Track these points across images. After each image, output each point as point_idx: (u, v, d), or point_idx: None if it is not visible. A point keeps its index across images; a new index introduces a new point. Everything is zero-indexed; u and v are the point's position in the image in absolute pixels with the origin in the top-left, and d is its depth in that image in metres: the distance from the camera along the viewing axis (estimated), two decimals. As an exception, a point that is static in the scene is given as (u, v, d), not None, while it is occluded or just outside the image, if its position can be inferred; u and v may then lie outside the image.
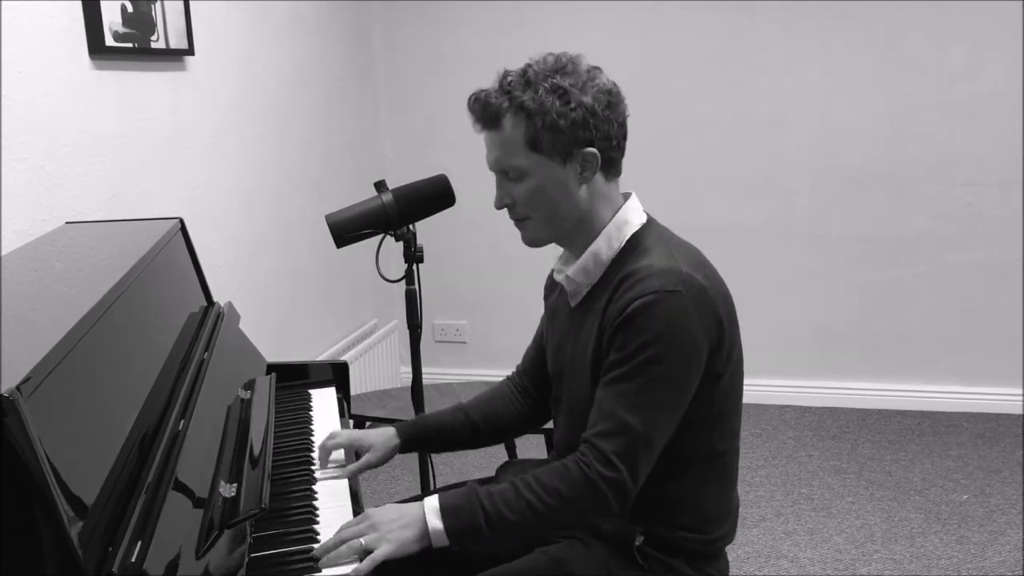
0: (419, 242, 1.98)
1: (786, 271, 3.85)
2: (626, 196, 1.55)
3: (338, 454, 1.71)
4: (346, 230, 1.92)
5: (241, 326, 2.10)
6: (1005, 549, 2.73)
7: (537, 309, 1.78)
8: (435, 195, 1.91)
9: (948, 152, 3.60)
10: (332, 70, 3.60)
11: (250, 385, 1.83)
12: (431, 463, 2.11)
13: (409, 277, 1.99)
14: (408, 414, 2.48)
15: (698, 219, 3.82)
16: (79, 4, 2.16)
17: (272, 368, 2.11)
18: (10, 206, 1.96)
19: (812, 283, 3.84)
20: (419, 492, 2.02)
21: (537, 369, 1.75)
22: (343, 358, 3.36)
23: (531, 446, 3.07)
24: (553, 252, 1.62)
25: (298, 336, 3.33)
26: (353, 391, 2.55)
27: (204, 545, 1.23)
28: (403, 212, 1.92)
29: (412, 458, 2.03)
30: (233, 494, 1.38)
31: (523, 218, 1.51)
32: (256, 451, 1.52)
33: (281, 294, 3.22)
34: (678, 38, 3.74)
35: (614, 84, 1.48)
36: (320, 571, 1.34)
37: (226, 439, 1.54)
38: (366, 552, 1.35)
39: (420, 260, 1.99)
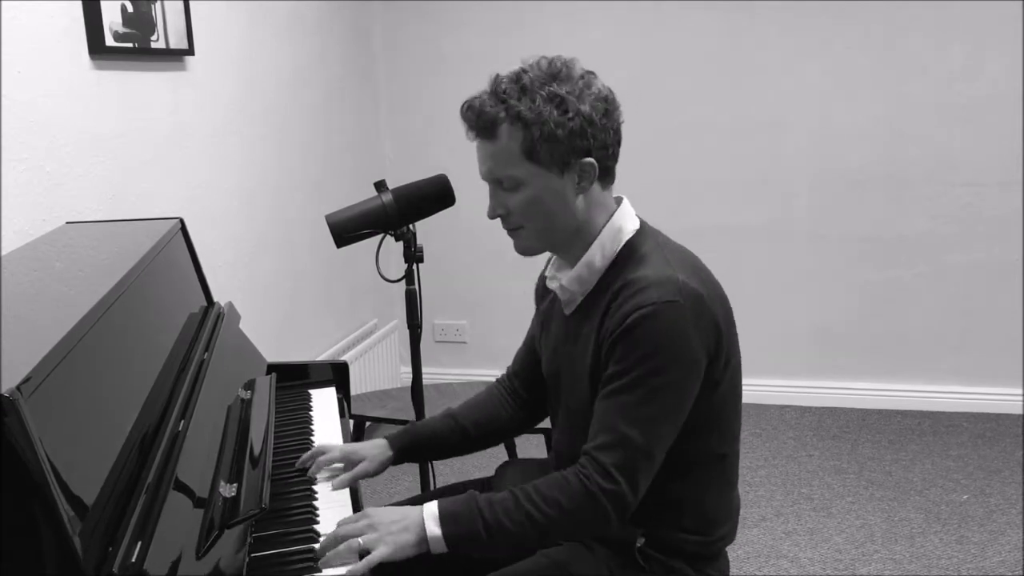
0: (419, 242, 1.98)
1: (786, 271, 3.85)
2: (618, 201, 1.53)
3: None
4: (346, 230, 1.92)
5: (241, 326, 2.10)
6: (1005, 549, 2.73)
7: (536, 309, 1.77)
8: (435, 195, 1.91)
9: (948, 152, 3.60)
10: (332, 70, 3.60)
11: (250, 385, 1.83)
12: (431, 463, 2.11)
13: (409, 277, 1.99)
14: (408, 414, 2.48)
15: (698, 220, 3.82)
16: (79, 4, 2.16)
17: (272, 368, 2.11)
18: (10, 206, 1.96)
19: (812, 283, 3.84)
20: (419, 492, 2.03)
21: (529, 371, 1.74)
22: (343, 358, 3.36)
23: (531, 446, 3.07)
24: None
25: (298, 336, 3.33)
26: (353, 391, 2.55)
27: (204, 545, 1.23)
28: (403, 212, 1.92)
29: (412, 458, 2.04)
30: (233, 494, 1.38)
31: (517, 227, 1.49)
32: (256, 451, 1.52)
33: (281, 294, 3.22)
34: (678, 38, 3.74)
35: (609, 90, 1.46)
36: (320, 571, 1.34)
37: (226, 439, 1.54)
38: (364, 552, 1.35)
39: (420, 260, 1.99)
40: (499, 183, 1.46)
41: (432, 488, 2.12)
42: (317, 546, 1.38)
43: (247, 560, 1.34)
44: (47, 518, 0.97)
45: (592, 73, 1.45)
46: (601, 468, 1.37)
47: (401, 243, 1.96)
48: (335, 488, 1.63)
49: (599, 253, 1.48)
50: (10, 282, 1.52)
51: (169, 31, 2.47)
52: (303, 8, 3.34)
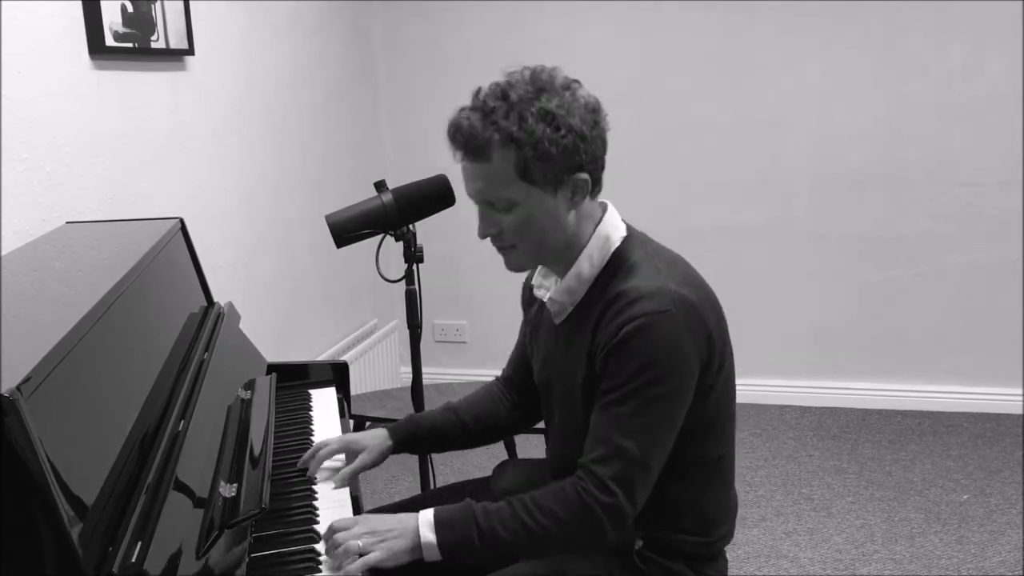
0: (419, 242, 1.98)
1: (786, 271, 3.85)
2: (603, 207, 1.51)
3: (331, 462, 1.70)
4: (346, 230, 1.92)
5: (241, 326, 2.10)
6: (1005, 549, 2.73)
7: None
8: (435, 195, 1.91)
9: (948, 152, 3.60)
10: (332, 70, 3.60)
11: (250, 385, 1.83)
12: (431, 463, 2.11)
13: (409, 277, 1.99)
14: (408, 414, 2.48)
15: (698, 220, 3.82)
16: (79, 4, 2.16)
17: (272, 368, 2.11)
18: (10, 206, 1.96)
19: (812, 283, 3.84)
20: (419, 492, 2.02)
21: (522, 375, 1.74)
22: (343, 358, 3.36)
23: (530, 446, 3.07)
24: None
25: (298, 336, 3.33)
26: (353, 391, 2.55)
27: (204, 545, 1.23)
28: (403, 212, 1.92)
29: (412, 458, 2.03)
30: (233, 494, 1.38)
31: (509, 246, 1.47)
32: (256, 451, 1.52)
33: (281, 294, 3.22)
34: (678, 38, 3.74)
35: (594, 99, 1.43)
36: (320, 571, 1.34)
37: (226, 439, 1.54)
38: (360, 555, 1.35)
39: (420, 260, 1.99)
40: (490, 204, 1.44)
41: (432, 487, 2.12)
42: (317, 546, 1.38)
43: (247, 560, 1.35)
44: (47, 518, 0.97)
45: (576, 82, 1.43)
46: (598, 481, 1.36)
47: (401, 243, 1.96)
48: (337, 484, 1.63)
49: (587, 263, 1.46)
50: (10, 282, 1.52)
51: (169, 31, 2.47)
52: (303, 8, 3.34)
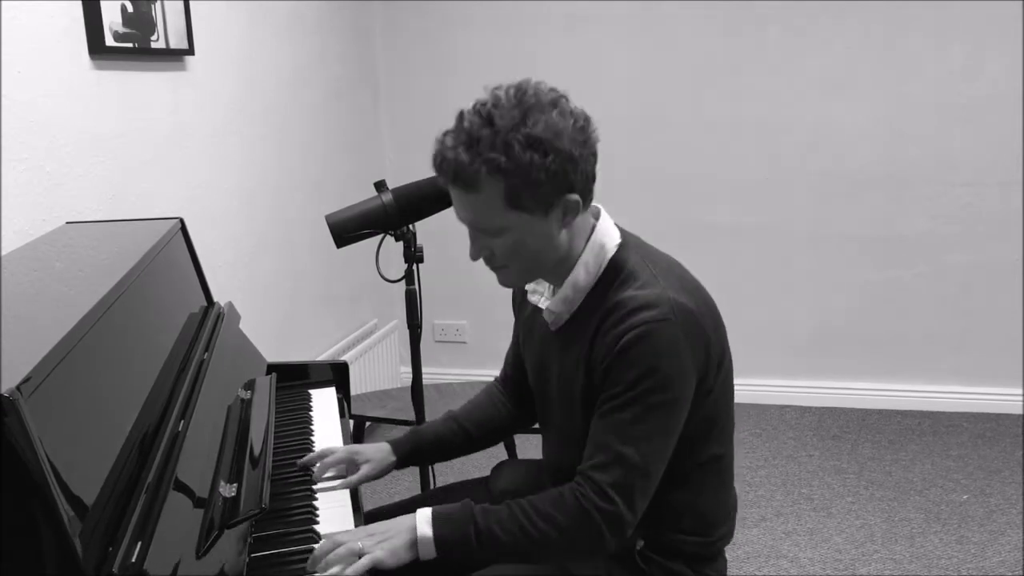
0: (419, 242, 1.98)
1: (786, 271, 3.85)
2: (595, 213, 1.50)
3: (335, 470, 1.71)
4: (346, 230, 1.92)
5: (241, 326, 2.10)
6: (1005, 549, 2.73)
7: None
8: (435, 195, 1.91)
9: (948, 152, 3.60)
10: (332, 70, 3.60)
11: (250, 385, 1.83)
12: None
13: (409, 277, 2.00)
14: (408, 414, 2.48)
15: (698, 220, 3.82)
16: (79, 4, 2.16)
17: (272, 368, 2.11)
18: (10, 206, 1.96)
19: (812, 283, 3.84)
20: (419, 492, 2.03)
21: (520, 374, 1.74)
22: (343, 358, 3.36)
23: (530, 446, 3.07)
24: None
25: (298, 336, 3.33)
26: (353, 391, 2.55)
27: (204, 545, 1.23)
28: (403, 212, 1.92)
29: (412, 457, 2.04)
30: (233, 494, 1.38)
31: (502, 267, 1.46)
32: (256, 451, 1.52)
33: (281, 294, 3.22)
34: (678, 38, 3.74)
35: (582, 113, 1.39)
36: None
37: (226, 439, 1.54)
38: (361, 554, 1.35)
39: (420, 260, 1.99)
40: (481, 228, 1.42)
41: (432, 486, 2.12)
42: (316, 546, 1.38)
43: (247, 560, 1.35)
44: (47, 518, 0.97)
45: (563, 97, 1.39)
46: (597, 487, 1.36)
47: (401, 243, 1.97)
48: (342, 487, 1.63)
49: (583, 272, 1.46)
50: (10, 282, 1.52)
51: (169, 31, 2.47)
52: (303, 8, 3.34)
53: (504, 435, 1.82)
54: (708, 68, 3.74)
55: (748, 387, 3.75)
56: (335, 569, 1.32)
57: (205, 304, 2.01)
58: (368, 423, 2.80)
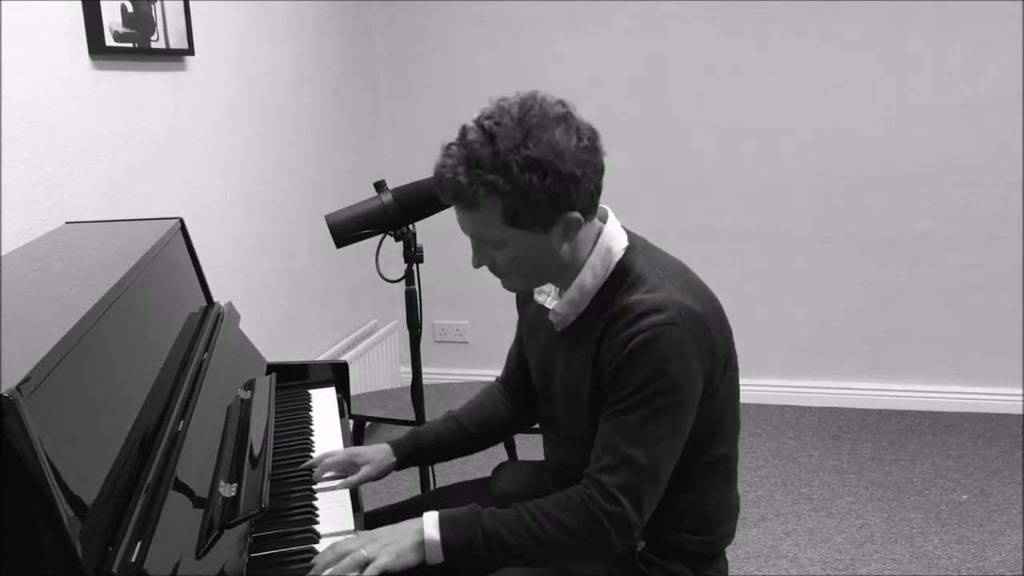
0: (419, 242, 1.98)
1: (786, 271, 3.85)
2: (602, 216, 1.50)
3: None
4: (346, 230, 1.92)
5: (241, 326, 2.10)
6: (1005, 549, 2.73)
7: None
8: (435, 195, 1.90)
9: (948, 152, 3.60)
10: (332, 70, 3.60)
11: (250, 385, 1.83)
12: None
13: (409, 277, 2.00)
14: (408, 414, 2.48)
15: (699, 219, 3.82)
16: (79, 4, 2.16)
17: (272, 368, 2.11)
18: (10, 206, 1.96)
19: (812, 283, 3.84)
20: (419, 493, 2.03)
21: (522, 373, 1.74)
22: (343, 358, 3.36)
23: (531, 446, 3.07)
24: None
25: (298, 336, 3.33)
26: (353, 391, 2.55)
27: (204, 545, 1.23)
28: (403, 212, 1.92)
29: (412, 458, 2.04)
30: (233, 494, 1.38)
31: (505, 274, 1.48)
32: (256, 451, 1.52)
33: (281, 294, 3.22)
34: (678, 38, 3.74)
35: (589, 127, 1.39)
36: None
37: (226, 439, 1.54)
38: (366, 563, 1.34)
39: (420, 260, 1.99)
40: (482, 241, 1.43)
41: (432, 486, 2.12)
42: (316, 546, 1.38)
43: (247, 560, 1.34)
44: (47, 518, 0.97)
45: (571, 112, 1.38)
46: (604, 490, 1.36)
47: (401, 243, 1.97)
48: (341, 487, 1.63)
49: (590, 274, 1.46)
50: (10, 282, 1.52)
51: (169, 31, 2.47)
52: (303, 8, 3.34)
53: (505, 435, 1.82)
54: (708, 68, 3.74)
55: (748, 387, 3.72)
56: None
57: (205, 304, 2.01)
58: (368, 423, 2.80)
